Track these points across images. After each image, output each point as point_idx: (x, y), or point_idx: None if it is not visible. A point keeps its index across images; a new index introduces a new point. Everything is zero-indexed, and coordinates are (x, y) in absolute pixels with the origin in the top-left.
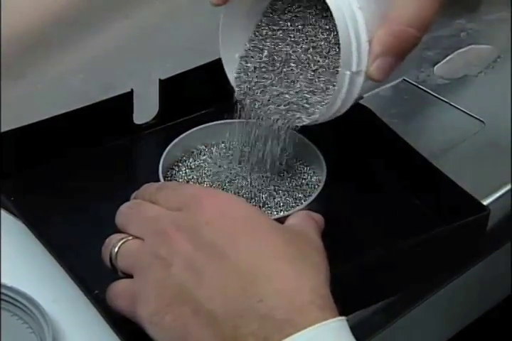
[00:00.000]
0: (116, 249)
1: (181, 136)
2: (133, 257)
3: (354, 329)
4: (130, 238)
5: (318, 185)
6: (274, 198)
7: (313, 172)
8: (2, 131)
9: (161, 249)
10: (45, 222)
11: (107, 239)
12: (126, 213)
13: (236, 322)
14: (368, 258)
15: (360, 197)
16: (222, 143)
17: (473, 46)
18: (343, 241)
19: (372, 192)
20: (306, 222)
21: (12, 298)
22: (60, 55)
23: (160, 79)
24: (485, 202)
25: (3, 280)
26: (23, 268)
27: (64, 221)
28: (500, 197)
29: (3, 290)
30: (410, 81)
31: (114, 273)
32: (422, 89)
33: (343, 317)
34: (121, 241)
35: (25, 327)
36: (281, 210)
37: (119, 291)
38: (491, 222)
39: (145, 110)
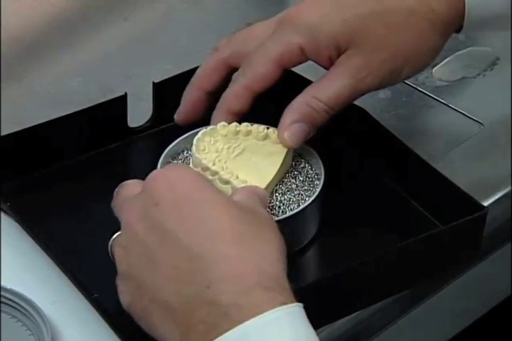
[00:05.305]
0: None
1: (180, 138)
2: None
3: (354, 329)
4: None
5: (317, 187)
6: (272, 199)
7: (312, 174)
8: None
9: (121, 236)
10: (43, 224)
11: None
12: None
13: (187, 309)
14: (366, 259)
15: (358, 198)
16: None
17: (471, 48)
18: (342, 242)
19: (371, 193)
20: (251, 198)
21: (11, 300)
22: (59, 57)
23: (153, 82)
24: (485, 204)
25: (2, 283)
26: (22, 270)
27: (62, 223)
28: (499, 198)
29: (2, 293)
30: (409, 83)
31: None
32: (421, 91)
33: (297, 304)
34: (114, 236)
35: (24, 330)
36: (280, 211)
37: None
38: (491, 222)
39: (139, 113)
